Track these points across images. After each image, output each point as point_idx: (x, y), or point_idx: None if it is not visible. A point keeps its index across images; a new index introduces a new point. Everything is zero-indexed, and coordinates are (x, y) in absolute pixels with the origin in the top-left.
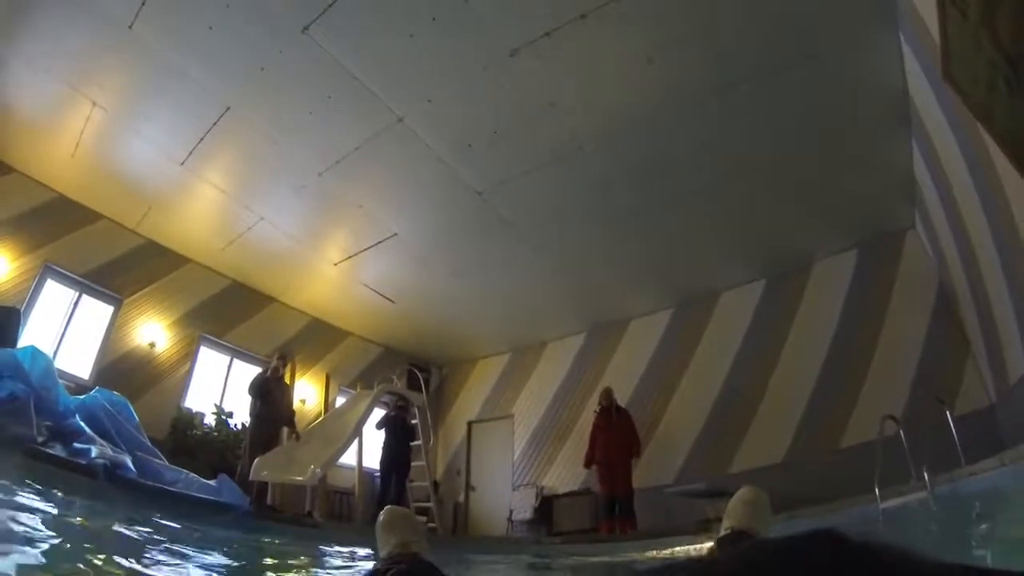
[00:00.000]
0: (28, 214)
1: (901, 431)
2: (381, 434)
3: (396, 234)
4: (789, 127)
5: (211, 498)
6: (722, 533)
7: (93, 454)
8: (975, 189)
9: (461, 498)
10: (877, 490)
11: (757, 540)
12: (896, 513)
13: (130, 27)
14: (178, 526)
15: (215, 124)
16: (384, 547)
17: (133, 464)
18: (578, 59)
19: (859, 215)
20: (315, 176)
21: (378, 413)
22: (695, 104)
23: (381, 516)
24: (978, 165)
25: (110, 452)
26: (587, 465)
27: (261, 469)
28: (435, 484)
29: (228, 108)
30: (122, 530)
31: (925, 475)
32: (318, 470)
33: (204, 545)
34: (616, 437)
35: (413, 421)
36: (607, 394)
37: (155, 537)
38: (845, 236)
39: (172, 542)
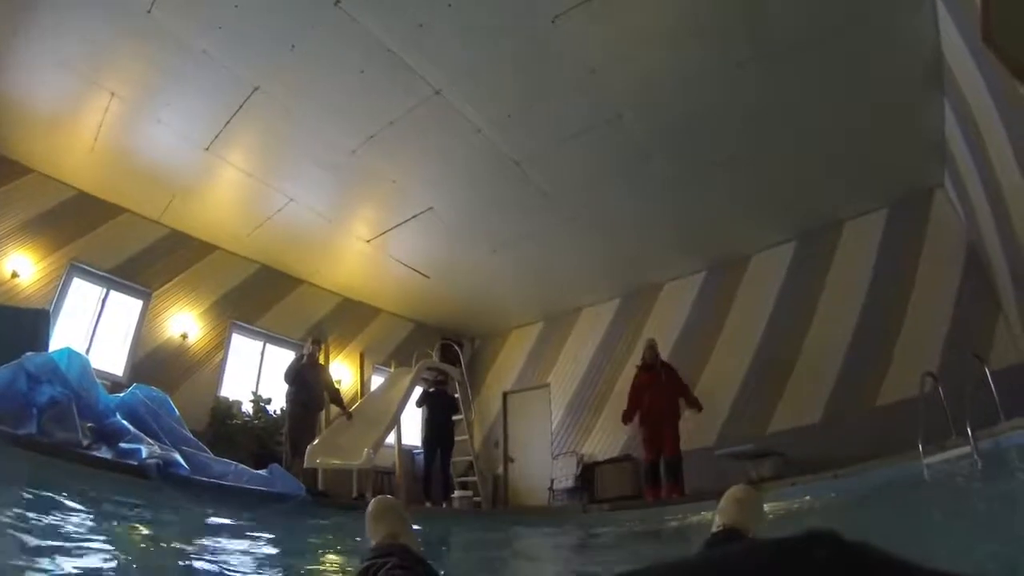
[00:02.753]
0: (50, 213)
1: (940, 388)
2: (418, 410)
3: (431, 208)
4: (821, 90)
5: (266, 489)
6: (713, 531)
7: (143, 454)
8: (1011, 147)
9: (500, 470)
10: (921, 447)
11: (751, 541)
12: (940, 469)
13: (148, 12)
14: (233, 520)
15: (242, 106)
16: (373, 538)
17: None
18: (620, 25)
19: (888, 175)
20: (348, 153)
21: (418, 390)
22: (735, 70)
23: (370, 507)
24: (1014, 124)
25: (158, 450)
26: (626, 421)
27: (315, 456)
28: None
29: (256, 88)
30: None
31: (968, 430)
32: (372, 452)
33: (274, 537)
34: (663, 395)
35: (455, 395)
36: (651, 348)
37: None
38: (874, 196)
39: (233, 536)
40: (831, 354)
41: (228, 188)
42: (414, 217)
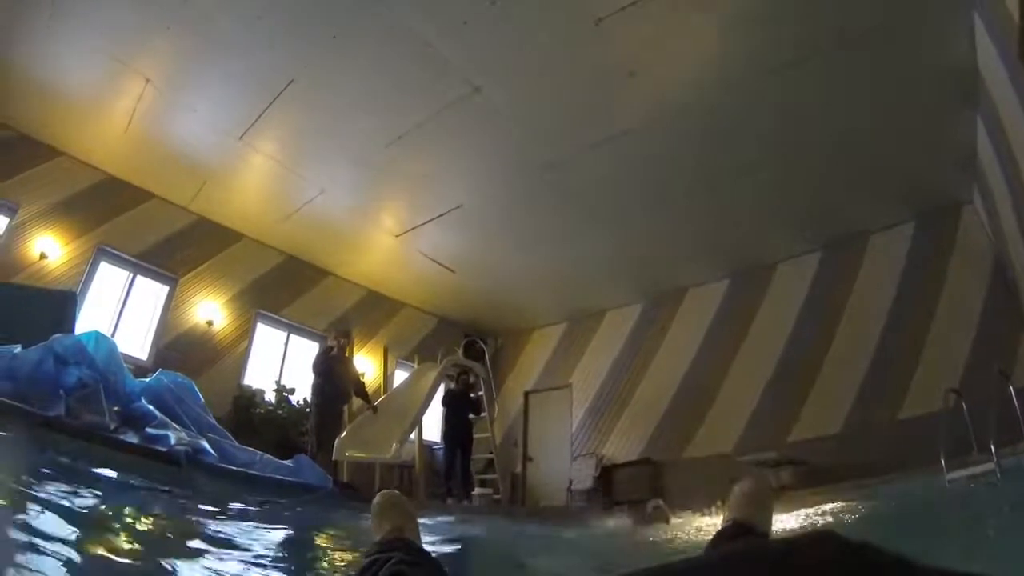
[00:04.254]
0: (79, 196)
1: (964, 404)
2: (438, 407)
3: (461, 205)
4: (855, 100)
5: (294, 480)
6: (723, 526)
7: (172, 440)
8: None
9: (518, 469)
10: (943, 461)
11: (755, 542)
12: (962, 484)
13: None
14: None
15: (277, 97)
16: (378, 532)
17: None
18: (662, 29)
19: (917, 188)
20: (382, 147)
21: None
22: (768, 77)
23: (375, 501)
24: None
25: (186, 437)
26: None
27: (344, 449)
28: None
29: (292, 80)
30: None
31: (992, 447)
32: (399, 446)
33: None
34: None
35: (480, 393)
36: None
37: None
38: (902, 209)
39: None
40: (854, 366)
41: (259, 177)
42: (444, 214)
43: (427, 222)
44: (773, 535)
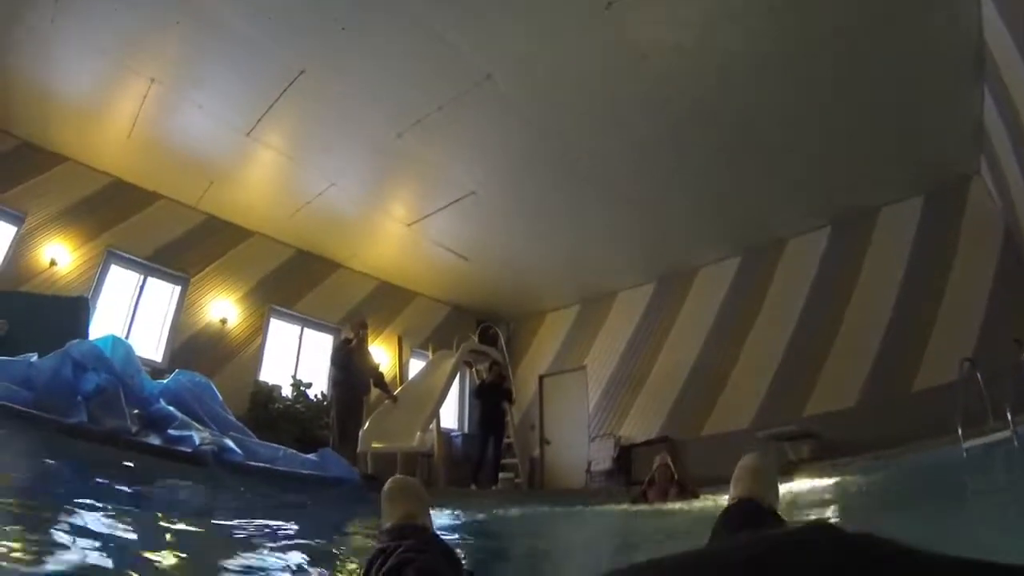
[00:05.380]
0: (86, 201)
1: (979, 373)
2: (454, 394)
3: (474, 192)
4: (860, 76)
5: (321, 474)
6: (729, 503)
7: (196, 440)
8: None
9: (536, 452)
10: (960, 431)
11: (756, 534)
12: (979, 454)
13: None
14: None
15: (286, 90)
16: (389, 518)
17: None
18: (672, 12)
19: (925, 161)
20: (394, 137)
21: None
22: (780, 58)
23: (386, 487)
24: None
25: (209, 436)
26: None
27: (368, 441)
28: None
29: (302, 72)
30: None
31: (1008, 415)
32: (422, 434)
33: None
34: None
35: (509, 386)
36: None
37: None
38: (911, 183)
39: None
40: (867, 340)
41: (268, 173)
42: (456, 201)
43: (439, 210)
44: (778, 509)
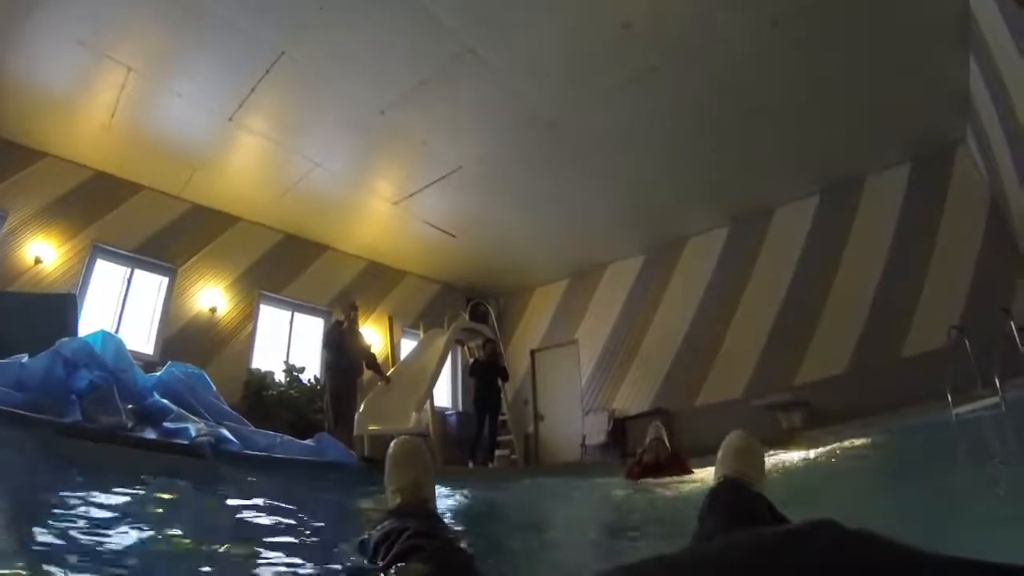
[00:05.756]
0: (68, 196)
1: (967, 340)
2: (446, 372)
3: (461, 167)
4: (846, 43)
5: (320, 459)
6: (714, 482)
7: (192, 432)
8: None
9: (530, 428)
10: (950, 396)
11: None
12: (968, 418)
13: None
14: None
15: (268, 72)
16: (393, 483)
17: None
18: None
19: (912, 130)
20: (377, 114)
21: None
22: (767, 26)
23: (392, 449)
24: None
25: (206, 428)
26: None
27: (366, 423)
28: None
29: (283, 53)
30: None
31: (997, 381)
32: (417, 415)
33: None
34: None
35: (503, 364)
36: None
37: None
38: (897, 150)
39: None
40: (856, 307)
41: (251, 157)
42: (443, 177)
43: (426, 187)
44: (764, 488)
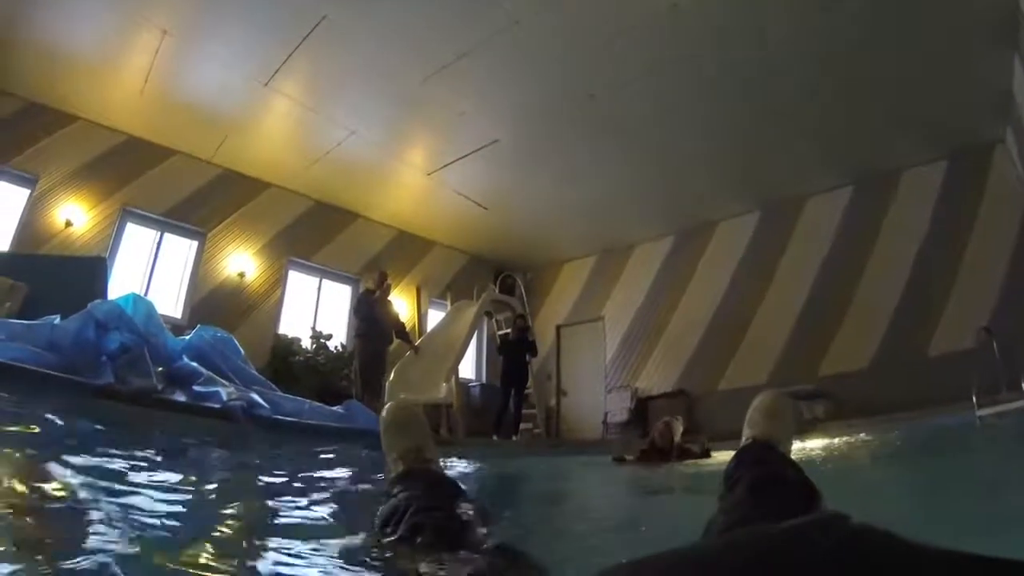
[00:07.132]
0: (99, 160)
1: (994, 342)
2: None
3: (498, 140)
4: (891, 35)
5: (350, 426)
6: (743, 443)
7: (223, 396)
8: None
9: (552, 402)
10: (975, 398)
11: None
12: (992, 420)
13: None
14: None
15: (307, 37)
16: (392, 450)
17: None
18: None
19: (951, 127)
20: (417, 84)
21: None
22: (808, 16)
23: (387, 415)
24: None
25: (235, 391)
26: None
27: (397, 391)
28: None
29: (324, 17)
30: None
31: (1023, 385)
32: (447, 385)
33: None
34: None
35: (532, 339)
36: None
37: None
38: (935, 146)
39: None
40: (883, 302)
41: (285, 123)
42: (479, 149)
43: (461, 158)
44: (794, 454)
